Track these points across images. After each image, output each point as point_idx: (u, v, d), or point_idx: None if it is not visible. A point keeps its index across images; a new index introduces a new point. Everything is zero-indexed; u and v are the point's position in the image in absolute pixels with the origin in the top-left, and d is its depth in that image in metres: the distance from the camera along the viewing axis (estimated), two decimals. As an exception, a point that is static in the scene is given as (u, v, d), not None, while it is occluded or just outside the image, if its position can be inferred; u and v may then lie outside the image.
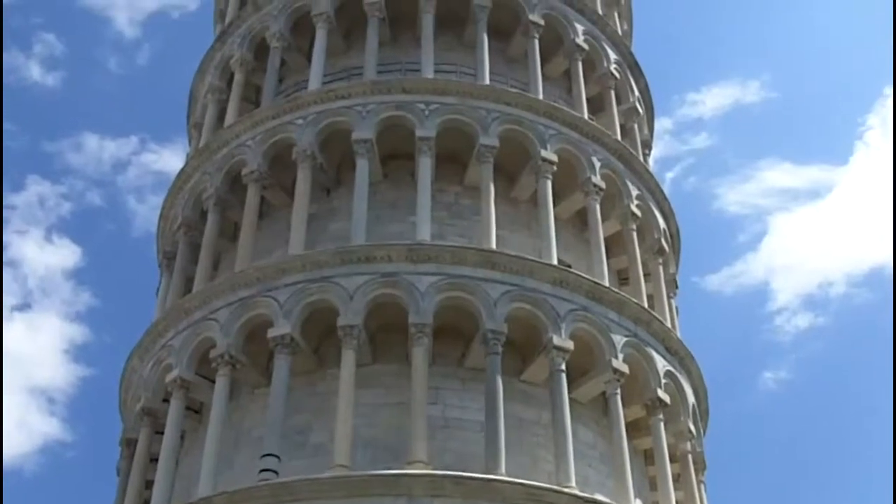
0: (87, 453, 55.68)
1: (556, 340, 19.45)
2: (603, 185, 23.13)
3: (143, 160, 67.62)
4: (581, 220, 23.40)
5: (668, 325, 22.14)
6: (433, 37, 24.55)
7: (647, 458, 21.35)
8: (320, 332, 20.09)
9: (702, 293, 57.57)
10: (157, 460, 19.88)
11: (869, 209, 60.53)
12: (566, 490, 17.55)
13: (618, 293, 21.13)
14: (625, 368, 19.98)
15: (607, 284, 21.12)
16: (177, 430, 19.93)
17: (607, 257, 22.26)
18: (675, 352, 21.56)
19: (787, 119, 65.67)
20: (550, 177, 22.49)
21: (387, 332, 19.95)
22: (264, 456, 17.99)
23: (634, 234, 23.26)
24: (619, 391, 19.69)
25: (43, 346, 60.99)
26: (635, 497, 19.09)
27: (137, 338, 22.00)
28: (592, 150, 23.54)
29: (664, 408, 20.44)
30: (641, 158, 25.32)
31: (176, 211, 24.42)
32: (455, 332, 20.00)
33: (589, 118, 24.60)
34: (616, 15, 29.62)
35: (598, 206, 22.73)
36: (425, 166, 21.88)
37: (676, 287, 25.26)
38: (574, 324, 19.96)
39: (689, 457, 21.01)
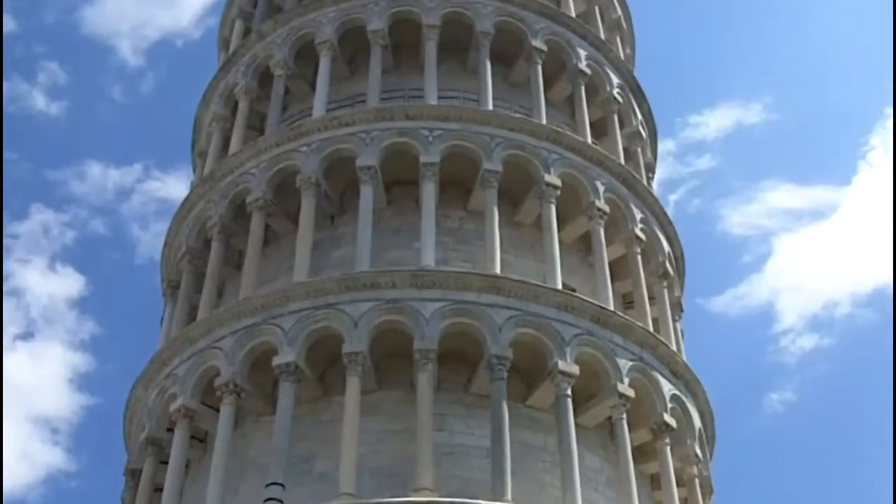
0: (91, 483, 55.39)
1: (562, 365, 19.40)
2: (607, 209, 23.14)
3: (146, 188, 67.80)
4: (585, 244, 23.40)
5: (674, 348, 22.08)
6: (436, 63, 24.69)
7: (654, 482, 21.20)
8: (325, 360, 20.06)
9: (706, 315, 57.51)
10: (161, 490, 19.78)
11: (873, 229, 60.52)
12: (573, 516, 17.46)
13: (623, 317, 21.08)
14: (630, 393, 19.91)
15: (612, 308, 21.08)
16: (181, 459, 19.88)
17: (612, 281, 22.23)
18: (680, 376, 21.48)
19: (789, 140, 65.81)
20: (554, 201, 22.50)
21: (392, 358, 19.91)
22: (269, 485, 17.92)
23: (639, 258, 23.24)
24: (625, 416, 19.62)
25: (46, 375, 61.01)
26: (643, 522, 18.99)
27: (141, 366, 22.01)
28: (596, 174, 23.57)
29: (670, 432, 20.35)
30: (645, 182, 25.34)
31: (180, 239, 24.48)
32: (460, 358, 19.96)
33: (592, 142, 24.64)
34: (618, 40, 29.72)
35: (602, 230, 22.74)
36: (429, 192, 21.93)
37: (681, 310, 25.21)
38: (579, 348, 19.92)
39: (696, 481, 20.88)
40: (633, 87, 27.76)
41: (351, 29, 25.83)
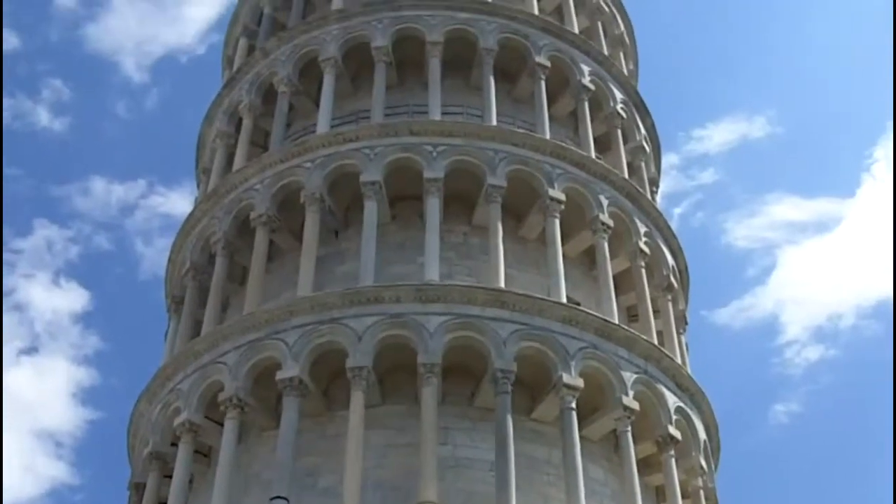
0: (95, 497, 55.41)
1: (566, 378, 19.36)
2: (611, 223, 23.14)
3: (150, 203, 68.05)
4: (589, 258, 23.39)
5: (679, 361, 22.05)
6: (440, 79, 24.78)
7: (659, 494, 21.14)
8: (329, 374, 20.06)
9: (711, 327, 57.59)
10: (165, 504, 19.79)
11: (877, 241, 60.52)
12: (578, 529, 17.40)
13: (627, 330, 21.05)
14: (635, 405, 19.86)
15: (616, 322, 21.05)
16: (185, 473, 19.86)
17: (616, 295, 22.21)
18: (685, 388, 21.42)
19: (793, 153, 66.00)
20: (558, 215, 22.53)
21: (396, 372, 19.90)
22: (273, 499, 17.82)
23: (643, 272, 23.24)
24: (629, 428, 19.57)
25: (50, 389, 61.13)
26: (649, 536, 18.91)
27: (145, 381, 22.05)
28: (600, 188, 23.60)
29: (675, 444, 20.31)
30: (649, 196, 25.36)
31: (184, 255, 24.52)
32: (464, 372, 19.94)
33: (596, 157, 24.65)
34: (622, 55, 29.82)
35: (606, 244, 22.73)
36: (433, 207, 21.96)
37: (686, 323, 25.18)
38: (584, 361, 19.89)
39: (701, 493, 20.84)
40: (637, 103, 27.82)
41: (355, 46, 25.94)
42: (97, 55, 69.28)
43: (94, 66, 68.68)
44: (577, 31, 27.87)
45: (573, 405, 19.18)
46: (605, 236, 22.86)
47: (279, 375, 19.48)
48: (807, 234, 68.34)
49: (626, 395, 19.82)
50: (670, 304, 23.69)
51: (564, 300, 20.85)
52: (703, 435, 21.41)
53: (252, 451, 20.31)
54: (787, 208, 65.08)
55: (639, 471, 19.33)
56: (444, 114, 24.08)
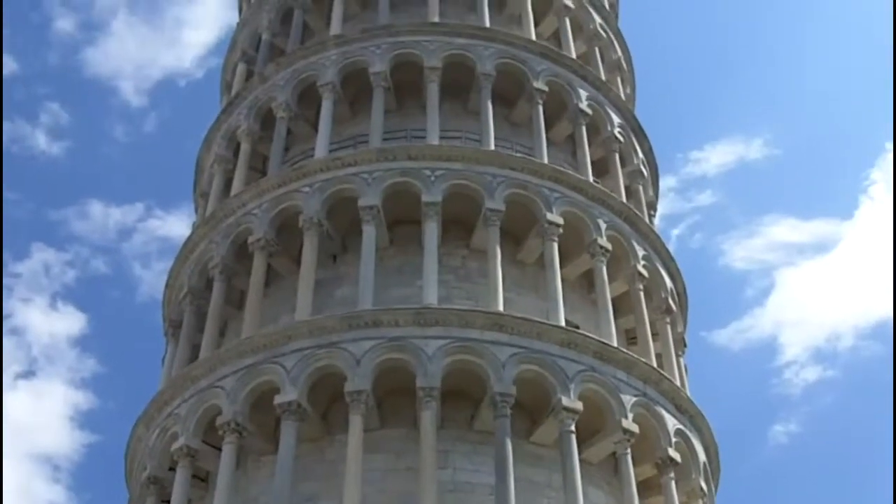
0: (93, 522, 55.28)
1: (566, 401, 19.30)
2: (609, 246, 23.15)
3: (148, 226, 68.20)
4: (588, 281, 23.39)
5: (678, 383, 22.00)
6: (438, 104, 24.82)
7: (660, 518, 21.02)
8: (328, 398, 19.98)
9: (710, 348, 57.63)
10: (163, 530, 19.68)
11: (875, 262, 60.69)
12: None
13: (626, 353, 21.02)
14: (635, 428, 19.80)
15: (615, 345, 21.02)
16: (183, 498, 19.73)
17: (615, 318, 22.15)
18: (685, 410, 21.36)
19: (790, 174, 66.28)
20: (557, 239, 22.53)
21: (395, 396, 19.84)
22: (271, 523, 17.78)
23: (642, 295, 23.23)
24: (629, 451, 19.50)
25: (48, 413, 60.94)
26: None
27: (143, 404, 21.96)
28: (598, 212, 23.62)
29: (675, 467, 20.22)
30: (647, 219, 25.38)
31: (182, 280, 24.49)
32: (463, 396, 19.89)
33: (594, 181, 24.72)
34: (619, 80, 29.91)
35: (604, 268, 22.74)
36: (431, 231, 21.98)
37: (685, 345, 25.14)
38: (583, 384, 19.84)
39: (702, 515, 20.75)
40: (634, 127, 27.89)
41: (353, 71, 26.01)
42: (96, 79, 69.65)
43: (92, 89, 69.10)
44: (574, 56, 27.94)
45: (572, 428, 19.10)
46: (604, 260, 22.85)
47: (277, 400, 19.41)
48: (805, 256, 68.69)
49: (626, 417, 19.76)
50: (669, 327, 23.67)
51: (563, 323, 20.83)
52: (702, 457, 21.33)
53: (250, 476, 20.22)
54: (785, 230, 65.38)
55: (639, 493, 19.25)
56: (442, 138, 24.11)
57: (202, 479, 21.18)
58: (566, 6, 29.35)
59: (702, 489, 20.88)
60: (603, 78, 28.10)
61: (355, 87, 26.14)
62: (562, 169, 24.21)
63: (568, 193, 23.60)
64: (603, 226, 23.41)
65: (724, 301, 62.93)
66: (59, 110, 67.36)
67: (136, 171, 67.28)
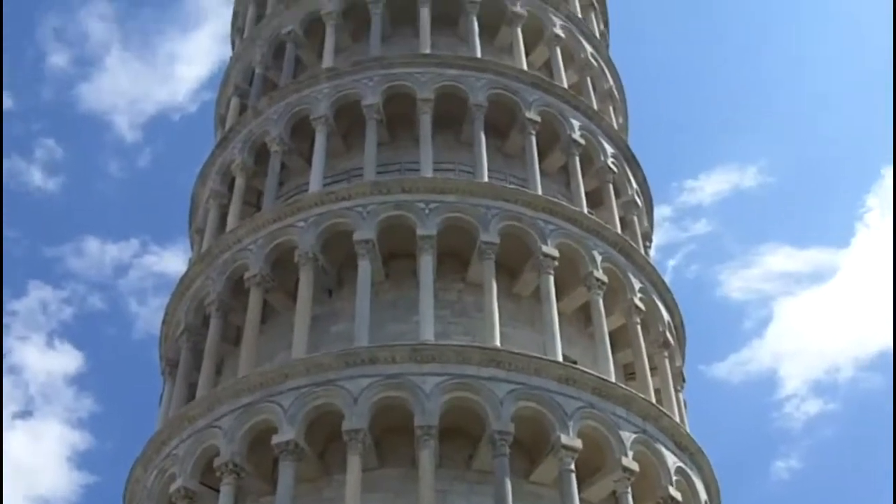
0: (91, 564, 54.79)
1: (564, 439, 19.24)
2: (605, 279, 23.13)
3: (144, 262, 68.04)
4: (585, 314, 23.36)
5: (677, 419, 21.93)
6: (431, 136, 24.81)
7: (661, 557, 20.91)
8: (325, 437, 19.90)
9: (709, 382, 57.24)
10: (161, 572, 19.52)
11: (873, 291, 60.55)
12: None
13: (625, 389, 20.97)
14: (635, 466, 19.71)
15: (614, 380, 20.98)
16: (182, 540, 19.60)
17: (612, 352, 22.14)
18: (685, 447, 21.29)
19: (786, 203, 66.19)
20: (552, 272, 22.50)
21: (393, 434, 19.75)
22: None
23: (639, 328, 23.19)
24: (629, 490, 19.39)
25: (45, 453, 60.50)
26: None
27: (141, 443, 21.83)
28: (593, 244, 23.60)
29: (676, 505, 20.14)
30: (642, 251, 25.37)
31: (178, 317, 24.39)
32: (462, 433, 19.80)
33: (588, 212, 24.71)
34: (611, 109, 29.94)
35: (601, 301, 22.70)
36: (427, 265, 21.92)
37: (683, 380, 25.07)
38: (582, 421, 19.78)
39: (703, 554, 20.66)
40: (628, 156, 27.91)
41: (346, 104, 26.00)
42: (90, 114, 69.63)
43: (86, 125, 69.09)
44: (566, 85, 27.98)
45: (572, 467, 19.02)
46: (600, 293, 22.82)
47: (275, 440, 19.31)
48: (802, 285, 68.70)
49: (626, 455, 19.68)
50: (667, 361, 23.62)
51: (560, 358, 20.77)
52: (703, 495, 21.23)
53: (249, 517, 20.11)
54: (782, 259, 65.21)
55: (640, 532, 19.21)
56: (435, 170, 24.10)
57: (200, 520, 21.01)
58: (557, 36, 29.40)
59: (703, 527, 20.81)
60: (595, 107, 28.12)
61: (348, 119, 26.13)
62: (556, 200, 24.21)
63: (563, 225, 23.58)
64: (598, 258, 23.39)
65: (722, 333, 62.85)
66: (53, 146, 67.39)
67: (132, 207, 67.26)
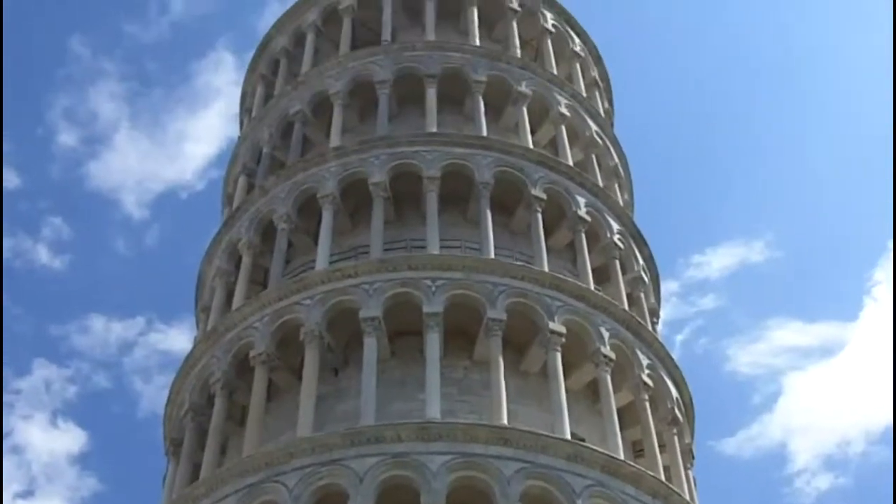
0: None
1: (573, 518, 18.94)
2: (613, 355, 22.99)
3: (149, 340, 67.98)
4: (592, 391, 23.17)
5: (687, 497, 21.61)
6: (437, 213, 24.91)
7: None
8: (331, 517, 19.61)
9: (719, 457, 56.70)
10: None
11: (882, 364, 60.16)
12: None
13: (634, 466, 20.69)
14: (645, 545, 19.41)
15: (622, 457, 20.71)
16: None
17: (621, 429, 21.89)
18: (695, 526, 20.98)
19: (793, 277, 66.18)
20: (559, 349, 22.39)
21: (399, 514, 19.47)
22: None
23: (647, 405, 22.99)
24: (636, 572, 19.06)
25: (47, 535, 59.72)
26: None
27: (143, 526, 21.53)
28: (601, 320, 23.51)
29: (686, 584, 19.77)
30: (650, 327, 25.26)
31: (183, 396, 24.26)
32: (469, 513, 19.50)
33: (595, 289, 24.64)
34: (616, 186, 30.06)
35: (609, 378, 22.53)
36: (433, 342, 21.84)
37: (693, 457, 24.72)
38: (590, 500, 19.46)
39: None
40: (634, 233, 27.95)
41: (353, 182, 26.17)
42: (98, 192, 70.18)
43: (94, 203, 69.58)
44: (571, 163, 28.14)
45: (581, 546, 18.73)
46: (608, 369, 22.66)
47: (280, 521, 19.06)
48: (811, 360, 68.28)
49: (635, 534, 19.39)
50: (676, 438, 23.35)
51: (569, 436, 20.54)
52: (715, 575, 20.90)
53: None
54: (790, 333, 65.01)
55: None
56: (442, 247, 24.16)
57: None
58: (562, 114, 29.65)
59: None
60: (601, 184, 28.24)
61: (355, 197, 26.27)
62: (563, 277, 24.18)
63: (569, 302, 23.53)
64: (606, 334, 23.28)
65: (731, 408, 62.48)
66: (61, 224, 67.80)
67: (138, 285, 67.47)
